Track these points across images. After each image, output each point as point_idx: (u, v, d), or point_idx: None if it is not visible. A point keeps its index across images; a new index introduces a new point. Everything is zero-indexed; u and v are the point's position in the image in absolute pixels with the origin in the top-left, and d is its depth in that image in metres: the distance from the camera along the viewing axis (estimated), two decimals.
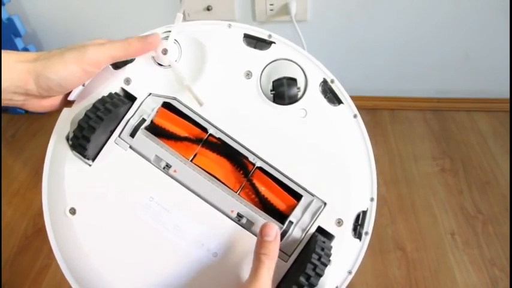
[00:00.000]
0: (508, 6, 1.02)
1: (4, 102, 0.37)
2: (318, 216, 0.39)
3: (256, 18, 1.08)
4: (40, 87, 0.37)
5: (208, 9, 1.07)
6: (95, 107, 0.38)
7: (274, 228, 0.37)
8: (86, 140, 0.37)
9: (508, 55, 1.10)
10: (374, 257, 0.83)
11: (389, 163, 1.04)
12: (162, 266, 0.39)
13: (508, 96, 1.17)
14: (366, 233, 0.40)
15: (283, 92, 0.40)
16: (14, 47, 1.09)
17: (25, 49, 1.11)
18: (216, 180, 0.40)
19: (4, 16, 1.05)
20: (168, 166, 0.40)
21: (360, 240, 0.40)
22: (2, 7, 1.04)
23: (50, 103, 0.40)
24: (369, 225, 0.40)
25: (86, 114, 0.37)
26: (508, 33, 1.06)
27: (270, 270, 0.35)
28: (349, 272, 0.40)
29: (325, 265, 0.36)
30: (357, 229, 0.40)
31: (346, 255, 0.40)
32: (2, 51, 0.36)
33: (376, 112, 1.20)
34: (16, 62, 0.36)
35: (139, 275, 0.39)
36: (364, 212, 0.40)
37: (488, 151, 1.07)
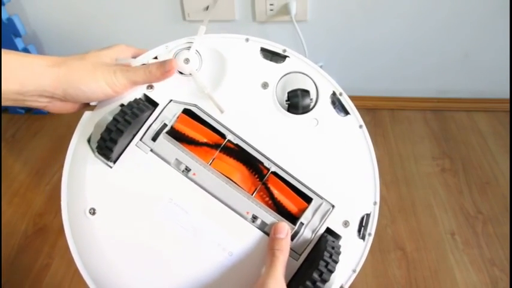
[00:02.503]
0: (508, 6, 1.02)
1: (27, 103, 0.39)
2: (327, 218, 0.42)
3: (256, 18, 1.08)
4: (68, 94, 0.39)
5: (208, 9, 1.07)
6: (122, 111, 0.39)
7: (285, 227, 0.41)
8: (113, 143, 0.38)
9: (508, 55, 1.10)
10: (374, 257, 0.83)
11: (390, 163, 1.04)
12: (179, 265, 0.41)
13: (508, 96, 1.18)
14: (369, 234, 0.43)
15: (297, 102, 0.43)
16: (14, 47, 1.09)
17: (25, 49, 1.12)
18: (233, 184, 0.42)
19: (4, 16, 1.05)
20: (187, 169, 0.42)
21: (364, 240, 0.43)
22: (2, 7, 1.04)
23: (71, 106, 0.42)
24: (372, 227, 0.43)
25: (114, 118, 0.39)
26: (508, 33, 1.06)
27: (283, 264, 0.39)
28: (354, 271, 0.43)
29: (336, 262, 0.38)
30: (361, 230, 0.43)
31: (351, 255, 0.43)
32: (31, 55, 0.39)
33: (376, 112, 1.20)
34: (46, 67, 0.38)
35: (157, 274, 0.41)
36: (368, 215, 0.43)
37: (488, 151, 1.07)
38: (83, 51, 0.42)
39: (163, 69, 0.41)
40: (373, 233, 0.43)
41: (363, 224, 0.43)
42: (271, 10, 1.06)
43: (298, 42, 1.08)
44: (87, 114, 0.43)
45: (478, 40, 1.09)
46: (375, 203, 0.43)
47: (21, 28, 1.07)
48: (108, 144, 0.39)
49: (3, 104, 0.38)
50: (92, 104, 0.43)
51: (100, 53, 0.42)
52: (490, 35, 1.08)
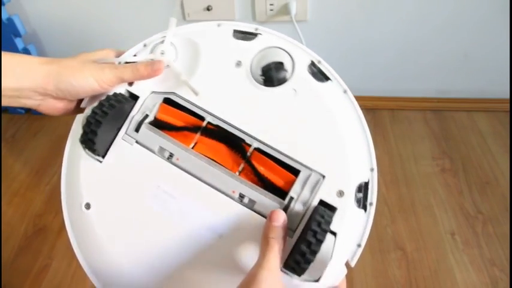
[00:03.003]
0: (508, 6, 1.02)
1: (22, 101, 0.41)
2: (318, 189, 0.40)
3: (256, 18, 1.08)
4: (59, 89, 0.41)
5: (208, 9, 1.07)
6: (100, 104, 0.41)
7: (282, 214, 0.38)
8: (93, 134, 0.40)
9: (508, 55, 1.10)
10: (374, 257, 0.83)
11: (390, 163, 1.04)
12: (172, 251, 0.41)
13: (508, 96, 1.18)
14: (371, 204, 0.40)
15: (271, 75, 0.43)
16: (14, 47, 1.09)
17: (25, 49, 1.12)
18: (217, 164, 0.42)
19: (4, 16, 1.05)
20: (171, 155, 0.42)
21: (366, 211, 0.40)
22: (2, 7, 1.04)
23: (63, 106, 0.44)
24: (372, 196, 0.40)
25: (92, 110, 0.41)
26: (507, 33, 1.06)
27: (278, 253, 0.37)
28: (359, 245, 0.40)
29: (326, 231, 0.36)
30: (361, 200, 0.40)
31: (353, 228, 0.40)
32: (25, 55, 0.41)
33: (376, 112, 1.20)
34: (39, 64, 0.41)
35: (151, 260, 0.41)
36: (366, 183, 0.41)
37: (488, 151, 1.07)
38: (83, 51, 0.44)
39: (151, 68, 0.43)
40: (374, 202, 0.40)
41: (362, 194, 0.40)
42: (271, 10, 1.06)
43: (298, 42, 1.08)
44: (79, 116, 0.45)
45: (478, 40, 1.09)
46: (371, 170, 0.41)
47: (21, 28, 1.07)
48: (89, 136, 0.40)
49: None
50: (83, 106, 0.44)
51: (88, 54, 0.44)
52: (490, 35, 1.08)
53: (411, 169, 1.03)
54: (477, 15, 1.05)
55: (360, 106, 0.43)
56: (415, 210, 0.93)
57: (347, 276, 0.40)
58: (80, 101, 0.44)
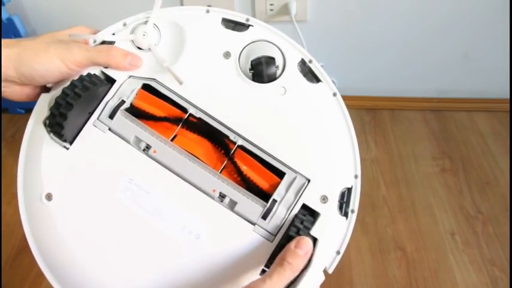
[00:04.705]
0: (508, 6, 1.02)
1: None
2: (302, 193, 0.38)
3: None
4: (21, 74, 0.37)
5: None
6: (72, 84, 0.37)
7: (309, 244, 0.35)
8: (63, 118, 0.36)
9: (508, 55, 1.10)
10: (374, 257, 0.83)
11: (390, 163, 1.04)
12: (142, 251, 0.37)
13: (508, 96, 1.18)
14: (352, 211, 0.39)
15: (261, 70, 0.40)
16: None
17: None
18: (197, 160, 0.39)
19: (4, 16, 1.05)
20: (148, 147, 0.39)
21: (347, 218, 0.39)
22: (2, 7, 1.04)
23: (31, 91, 0.40)
24: (354, 203, 0.39)
25: (63, 91, 0.36)
26: (508, 33, 1.06)
27: (286, 282, 0.33)
28: (338, 252, 0.39)
29: (308, 228, 0.35)
30: (343, 207, 0.39)
31: (333, 235, 0.39)
32: None
33: (376, 112, 1.20)
34: None
35: (118, 261, 0.38)
36: (349, 190, 0.39)
37: (488, 151, 1.07)
38: None
39: (129, 61, 0.39)
40: (356, 209, 0.39)
41: (344, 200, 0.39)
42: (271, 10, 1.06)
43: (298, 42, 1.07)
44: (43, 96, 0.40)
45: (478, 40, 1.09)
46: (355, 177, 0.39)
47: (21, 28, 1.07)
48: (58, 120, 0.36)
49: None
50: (49, 85, 0.41)
51: (55, 33, 0.39)
52: (490, 35, 1.08)
53: (411, 169, 1.03)
54: (477, 15, 1.05)
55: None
56: (415, 210, 0.93)
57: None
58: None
